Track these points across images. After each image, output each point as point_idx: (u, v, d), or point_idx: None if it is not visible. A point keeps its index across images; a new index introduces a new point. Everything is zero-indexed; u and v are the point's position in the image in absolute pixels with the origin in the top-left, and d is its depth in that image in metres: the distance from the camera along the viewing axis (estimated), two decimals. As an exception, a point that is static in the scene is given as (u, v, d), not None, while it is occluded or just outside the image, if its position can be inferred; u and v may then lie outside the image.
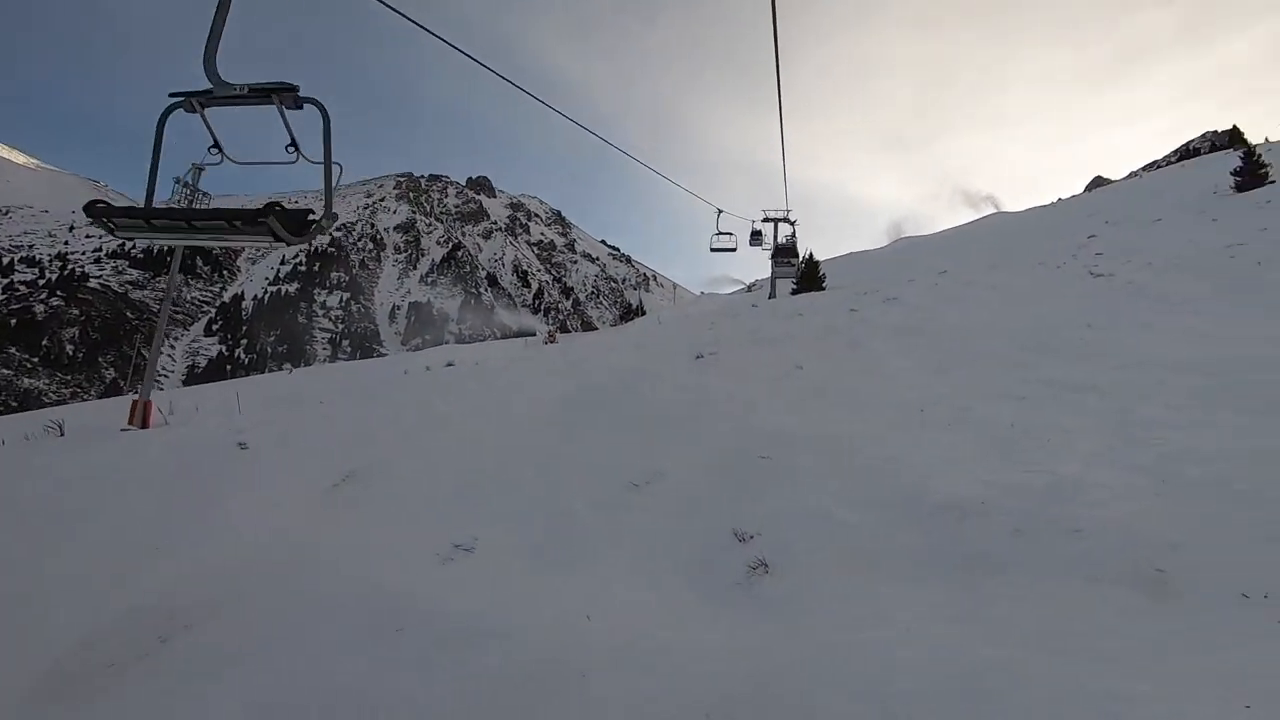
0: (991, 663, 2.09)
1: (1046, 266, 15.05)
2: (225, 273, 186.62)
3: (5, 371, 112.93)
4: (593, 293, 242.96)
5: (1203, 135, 73.00)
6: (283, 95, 2.51)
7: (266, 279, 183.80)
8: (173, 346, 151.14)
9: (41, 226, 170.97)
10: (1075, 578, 2.59)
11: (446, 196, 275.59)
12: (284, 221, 2.35)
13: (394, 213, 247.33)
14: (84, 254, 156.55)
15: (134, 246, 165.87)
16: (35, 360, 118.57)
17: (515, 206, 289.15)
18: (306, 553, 4.34)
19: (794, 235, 25.05)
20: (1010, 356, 7.11)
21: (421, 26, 5.63)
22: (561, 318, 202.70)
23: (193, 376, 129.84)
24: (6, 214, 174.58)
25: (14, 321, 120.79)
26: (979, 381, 6.24)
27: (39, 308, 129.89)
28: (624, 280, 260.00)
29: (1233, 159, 26.14)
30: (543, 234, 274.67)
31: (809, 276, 23.55)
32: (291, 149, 2.83)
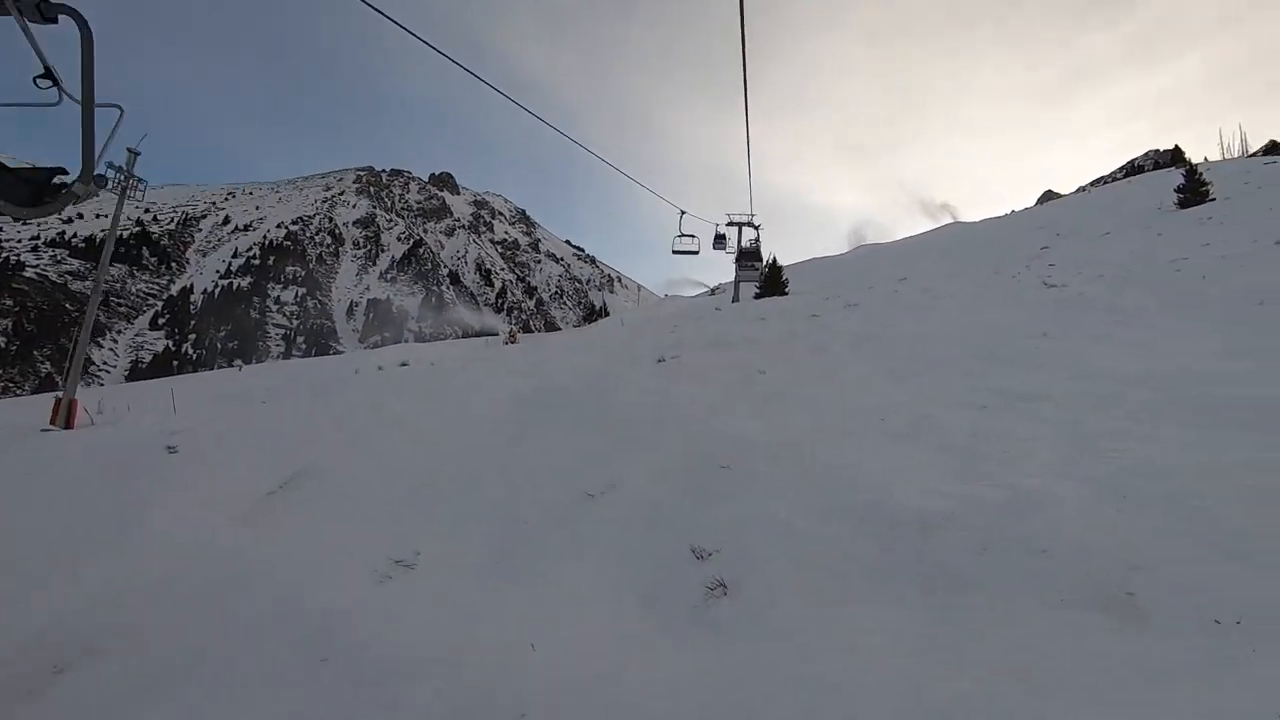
0: (962, 698, 1.96)
1: (1002, 276, 15.36)
2: (173, 264, 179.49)
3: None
4: (556, 293, 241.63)
5: (1146, 153, 76.27)
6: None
7: (217, 272, 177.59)
8: (115, 341, 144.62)
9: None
10: (1043, 600, 2.49)
11: (408, 192, 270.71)
12: (5, 186, 1.69)
13: (353, 207, 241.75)
14: (19, 242, 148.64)
15: (74, 235, 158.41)
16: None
17: (479, 204, 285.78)
18: (233, 569, 4.01)
19: (758, 239, 25.17)
20: (968, 364, 7.13)
21: (387, 16, 5.34)
22: (525, 318, 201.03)
23: (137, 372, 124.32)
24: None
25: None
26: (938, 389, 6.22)
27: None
28: (588, 281, 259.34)
29: (1175, 177, 27.27)
30: (507, 233, 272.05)
31: (772, 281, 23.67)
32: (46, 81, 2.07)
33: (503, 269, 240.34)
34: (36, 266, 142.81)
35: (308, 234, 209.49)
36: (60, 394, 9.93)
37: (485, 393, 8.02)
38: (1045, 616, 2.43)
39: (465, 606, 3.22)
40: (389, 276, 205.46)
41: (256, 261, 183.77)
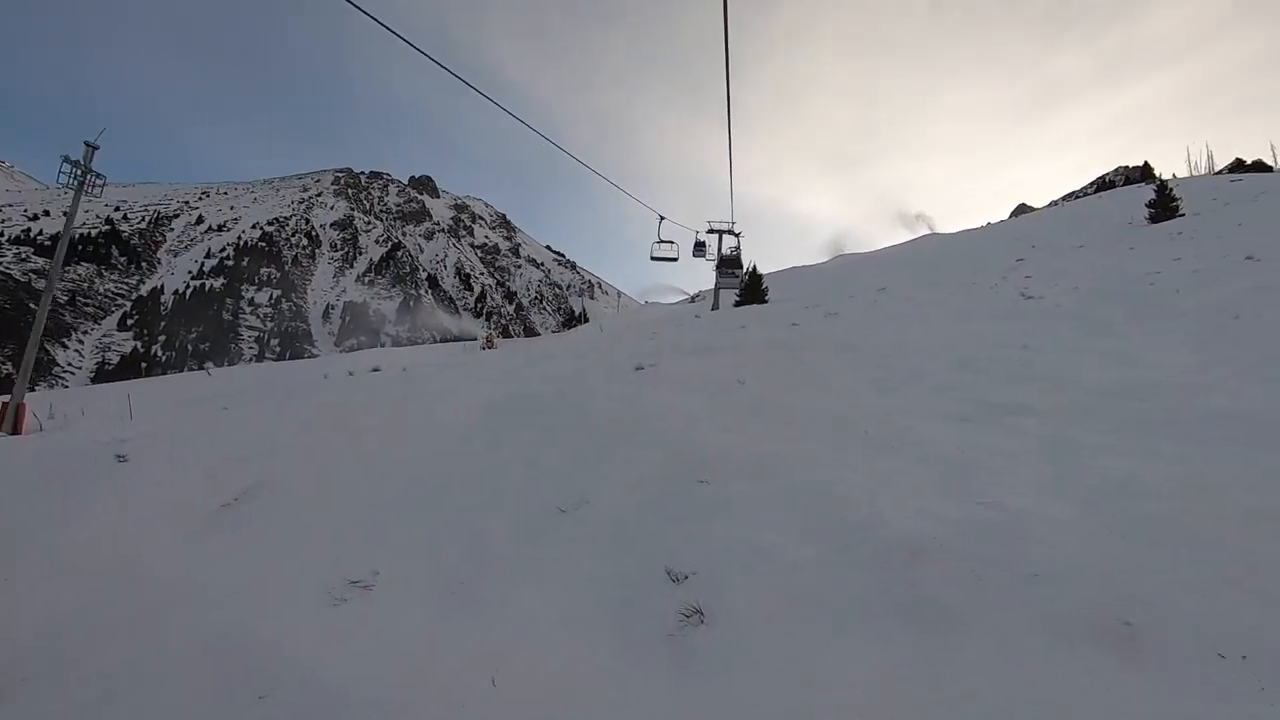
0: (956, 745, 1.79)
1: (980, 287, 15.45)
2: (144, 264, 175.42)
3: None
4: (536, 298, 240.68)
5: (1116, 169, 78.10)
6: None
7: (189, 272, 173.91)
8: (81, 342, 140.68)
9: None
10: (1039, 633, 2.33)
11: (387, 195, 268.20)
12: None
13: (331, 209, 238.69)
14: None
15: (40, 233, 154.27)
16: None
17: (460, 208, 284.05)
18: (175, 590, 3.74)
19: (739, 247, 25.16)
20: (949, 375, 7.05)
21: (372, 16, 5.12)
22: (504, 323, 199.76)
23: (103, 374, 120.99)
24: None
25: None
26: (920, 401, 6.11)
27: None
28: (568, 286, 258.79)
29: (1145, 192, 27.85)
30: (487, 237, 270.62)
31: (752, 289, 23.65)
32: None
33: (482, 273, 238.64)
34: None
35: (283, 235, 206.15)
36: (9, 397, 9.45)
37: (457, 400, 7.77)
38: (1041, 650, 2.28)
39: (424, 634, 3.00)
40: (366, 279, 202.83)
41: (230, 262, 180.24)
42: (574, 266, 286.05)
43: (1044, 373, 6.78)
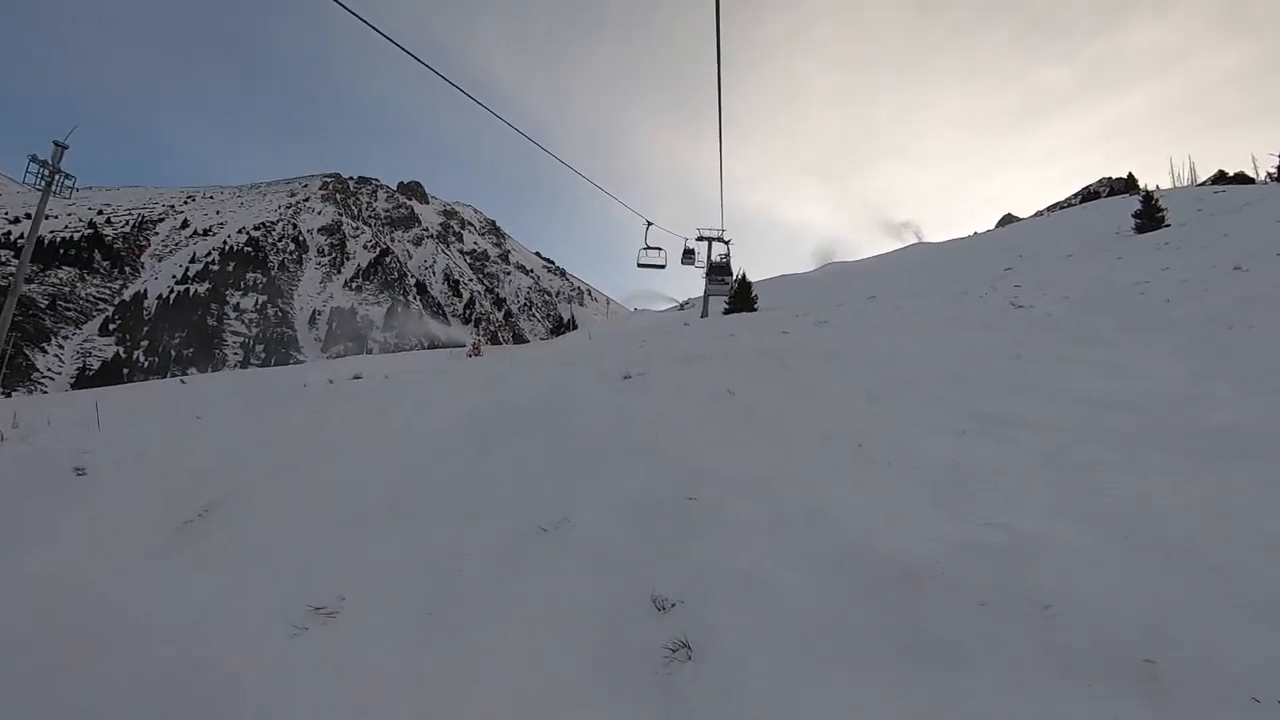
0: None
1: (969, 296, 15.39)
2: (127, 268, 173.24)
3: None
4: (525, 304, 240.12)
5: (1101, 180, 79.08)
6: None
7: (174, 277, 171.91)
8: (61, 347, 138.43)
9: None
10: (1053, 671, 2.15)
11: (376, 200, 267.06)
12: None
13: (319, 214, 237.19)
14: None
15: (20, 236, 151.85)
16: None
17: (449, 214, 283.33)
18: (124, 618, 3.47)
19: (728, 254, 25.04)
20: (942, 386, 6.91)
21: (364, 20, 4.92)
22: (493, 329, 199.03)
23: (83, 380, 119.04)
24: None
25: None
26: (914, 413, 5.95)
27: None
28: (558, 293, 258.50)
29: (1130, 202, 28.09)
30: (476, 243, 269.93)
31: (741, 297, 23.53)
32: None
33: (471, 280, 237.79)
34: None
35: (270, 240, 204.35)
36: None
37: (438, 410, 7.53)
38: (1056, 690, 2.09)
39: (390, 668, 2.77)
40: (354, 285, 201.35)
41: (215, 267, 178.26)
42: (563, 273, 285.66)
43: (1037, 383, 6.66)
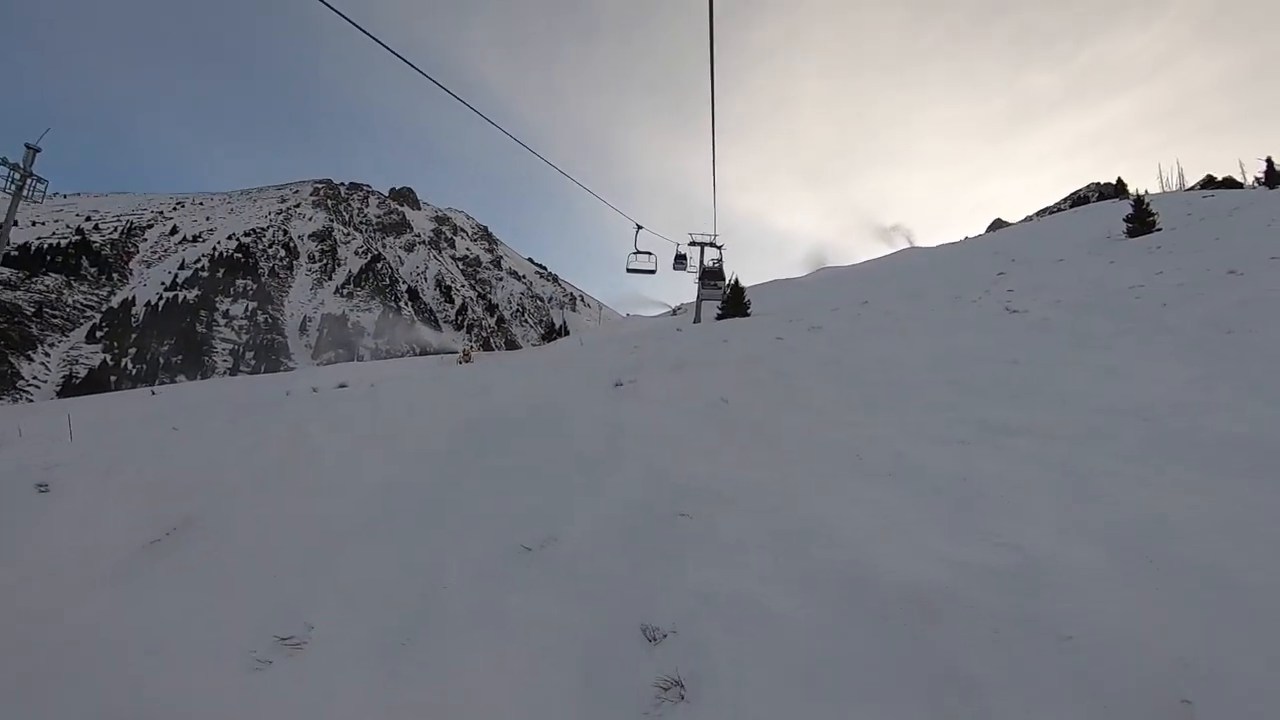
0: None
1: (963, 301, 15.28)
2: (115, 275, 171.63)
3: None
4: (518, 311, 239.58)
5: (1090, 185, 79.65)
6: None
7: (163, 284, 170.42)
8: (48, 354, 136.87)
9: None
10: (1081, 713, 1.95)
11: (367, 206, 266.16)
12: None
13: (310, 220, 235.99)
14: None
15: (7, 242, 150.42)
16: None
17: (440, 220, 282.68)
18: (78, 649, 3.24)
19: (721, 259, 24.91)
20: (941, 393, 6.74)
21: (356, 25, 4.73)
22: (485, 335, 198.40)
23: (70, 388, 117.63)
24: None
25: None
26: (913, 421, 5.78)
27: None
28: (550, 299, 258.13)
29: (1119, 207, 28.19)
30: (468, 249, 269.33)
31: (734, 302, 23.38)
32: None
33: (463, 286, 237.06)
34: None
35: (260, 246, 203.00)
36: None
37: (423, 420, 7.31)
38: (1084, 734, 1.90)
39: (355, 708, 2.55)
40: (345, 291, 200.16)
41: (205, 274, 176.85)
42: (556, 279, 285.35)
43: (1038, 389, 6.50)
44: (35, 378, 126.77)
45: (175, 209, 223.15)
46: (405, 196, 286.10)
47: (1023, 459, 4.40)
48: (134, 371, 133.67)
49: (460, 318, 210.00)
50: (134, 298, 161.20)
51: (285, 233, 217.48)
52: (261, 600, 3.58)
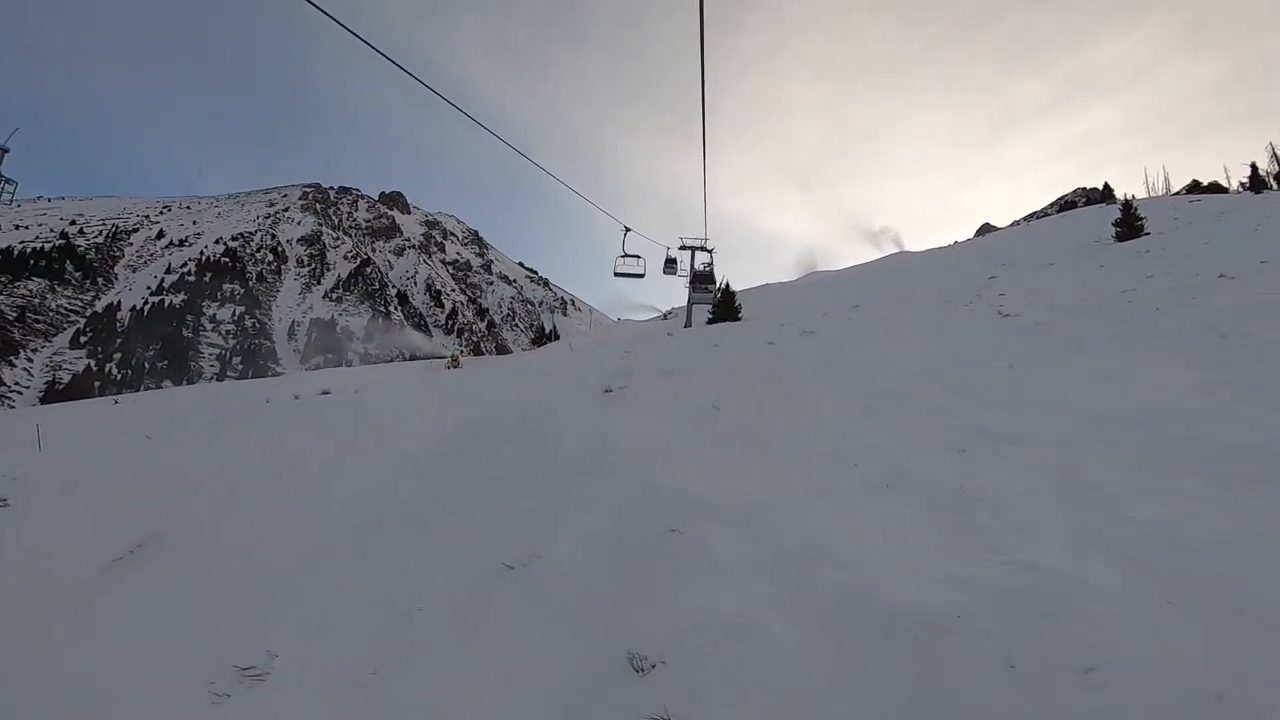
0: None
1: (954, 305, 15.20)
2: (100, 280, 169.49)
3: None
4: (509, 315, 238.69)
5: (1076, 190, 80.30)
6: None
7: (148, 288, 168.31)
8: (30, 360, 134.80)
9: None
10: (1108, 757, 1.78)
11: (357, 210, 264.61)
12: None
13: (298, 224, 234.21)
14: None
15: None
16: None
17: (431, 224, 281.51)
18: (25, 681, 3.01)
19: (711, 263, 24.74)
20: (936, 399, 6.60)
21: (343, 25, 4.53)
22: (476, 339, 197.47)
23: (52, 394, 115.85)
24: None
25: None
26: (910, 428, 5.63)
27: None
28: (541, 303, 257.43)
29: (1106, 212, 28.31)
30: (459, 253, 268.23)
31: (725, 306, 23.23)
32: None
33: (454, 290, 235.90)
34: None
35: (248, 251, 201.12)
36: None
37: (406, 429, 7.09)
38: (1113, 780, 1.73)
39: (317, 747, 2.34)
40: (334, 296, 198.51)
41: (191, 278, 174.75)
42: (547, 283, 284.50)
43: (1037, 395, 6.37)
44: (17, 384, 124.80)
45: (162, 213, 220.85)
46: (395, 200, 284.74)
47: (1024, 468, 4.25)
48: (118, 377, 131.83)
49: (450, 322, 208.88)
50: (119, 302, 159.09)
51: (273, 237, 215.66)
52: (225, 625, 3.36)
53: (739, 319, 22.77)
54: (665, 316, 47.73)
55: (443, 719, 2.39)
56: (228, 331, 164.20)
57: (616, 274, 20.19)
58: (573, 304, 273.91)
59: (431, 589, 3.44)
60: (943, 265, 31.25)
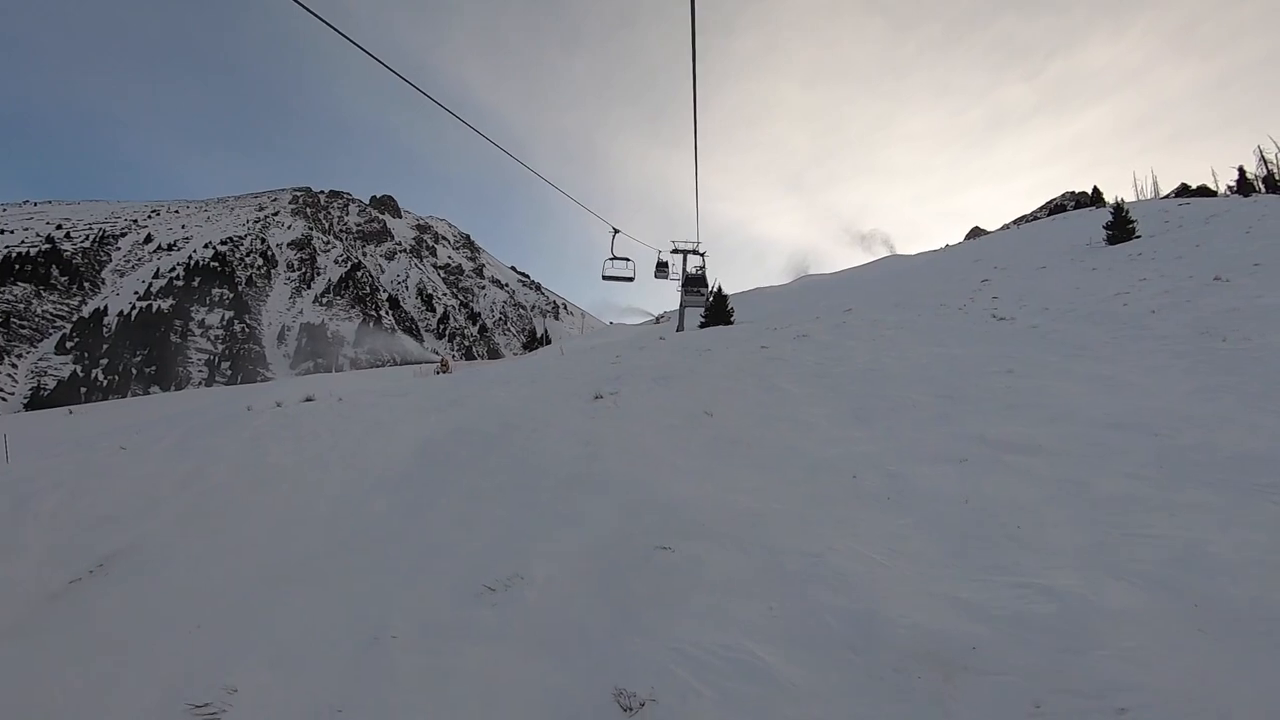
0: None
1: (948, 309, 15.08)
2: (86, 284, 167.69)
3: None
4: (500, 319, 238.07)
5: (1065, 194, 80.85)
6: None
7: (136, 293, 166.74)
8: (14, 365, 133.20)
9: None
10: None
11: (348, 214, 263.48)
12: None
13: (288, 228, 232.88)
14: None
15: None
16: None
17: (422, 228, 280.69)
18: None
19: (704, 266, 24.58)
20: (935, 405, 6.42)
21: (334, 28, 4.31)
22: (468, 344, 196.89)
23: (37, 400, 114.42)
24: None
25: None
26: (908, 436, 5.45)
27: None
28: (533, 307, 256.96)
29: (1096, 215, 28.40)
30: (450, 257, 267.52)
31: (717, 310, 23.08)
32: None
33: (445, 294, 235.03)
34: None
35: (238, 255, 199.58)
36: None
37: (389, 438, 6.85)
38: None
39: (270, 800, 2.12)
40: (324, 300, 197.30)
41: (180, 283, 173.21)
42: (539, 287, 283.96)
43: (1036, 401, 6.20)
44: (2, 390, 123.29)
45: (150, 217, 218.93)
46: (386, 204, 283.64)
47: (1029, 480, 4.07)
48: (105, 383, 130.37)
49: (442, 326, 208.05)
50: (106, 307, 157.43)
51: (263, 241, 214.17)
52: (185, 655, 3.12)
53: (731, 323, 22.63)
54: (658, 320, 47.59)
55: (410, 767, 2.17)
56: (216, 337, 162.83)
57: (605, 277, 19.74)
58: (565, 308, 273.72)
59: (406, 613, 3.21)
60: (934, 268, 31.24)
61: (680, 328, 25.72)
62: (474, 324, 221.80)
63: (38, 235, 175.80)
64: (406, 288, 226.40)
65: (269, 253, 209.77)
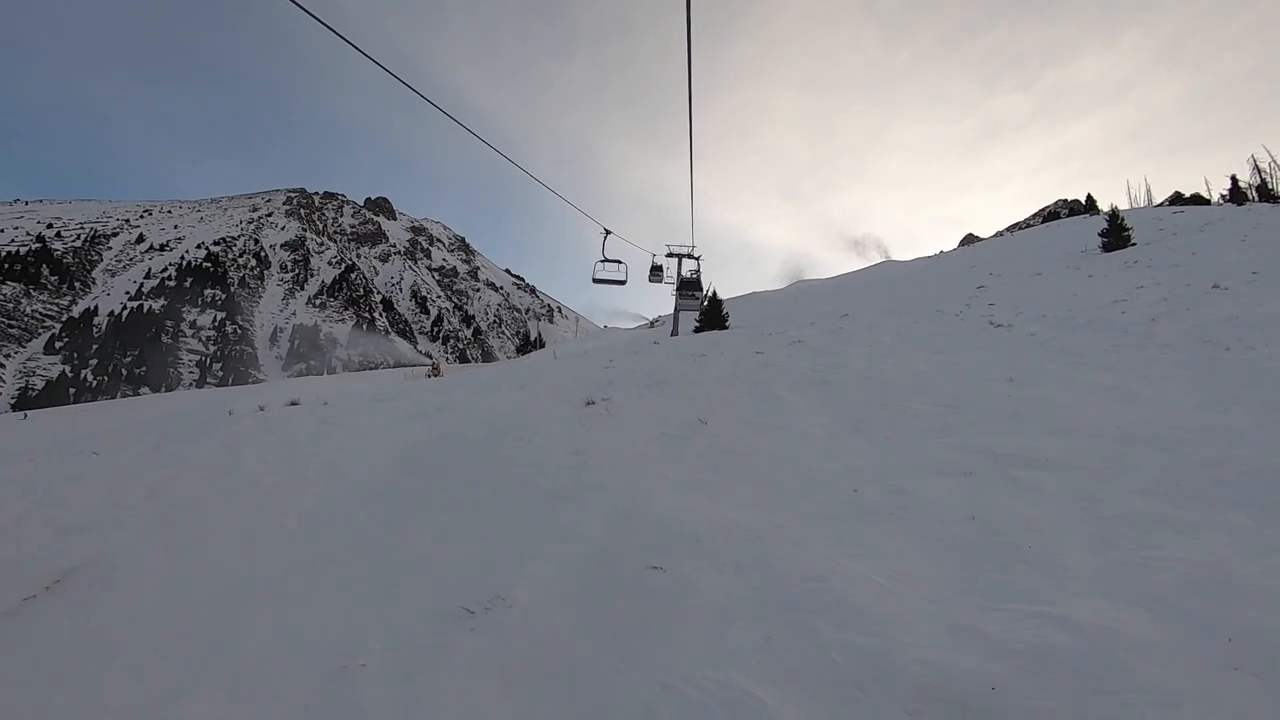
0: None
1: (945, 315, 14.95)
2: (77, 284, 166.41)
3: None
4: (495, 322, 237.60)
5: (1058, 201, 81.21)
6: None
7: (127, 293, 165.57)
8: (2, 365, 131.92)
9: None
10: None
11: (342, 216, 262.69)
12: None
13: (282, 229, 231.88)
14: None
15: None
16: None
17: (417, 230, 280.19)
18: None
19: (698, 270, 24.42)
20: (936, 415, 6.25)
21: (331, 28, 4.12)
22: (462, 347, 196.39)
23: (25, 400, 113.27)
24: None
25: None
26: (909, 448, 5.26)
27: None
28: (528, 310, 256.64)
29: (1091, 222, 28.42)
30: (445, 260, 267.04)
31: (712, 315, 22.91)
32: None
33: (440, 297, 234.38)
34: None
35: (230, 256, 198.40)
36: None
37: (371, 445, 6.63)
38: None
39: None
40: (318, 302, 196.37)
41: (172, 283, 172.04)
42: (534, 290, 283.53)
43: (1040, 411, 6.03)
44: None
45: (142, 217, 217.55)
46: (381, 206, 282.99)
47: (1038, 496, 3.89)
48: (94, 383, 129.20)
49: (436, 329, 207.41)
50: (96, 307, 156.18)
51: (256, 242, 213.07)
52: (141, 682, 2.90)
53: (726, 327, 22.47)
54: (652, 324, 47.48)
55: (370, 822, 1.96)
56: (208, 337, 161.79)
57: (595, 280, 19.19)
58: (559, 311, 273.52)
59: (378, 638, 3.00)
60: (930, 274, 31.20)
61: (675, 332, 25.55)
62: (468, 327, 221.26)
63: (28, 234, 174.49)
64: (400, 290, 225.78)
65: (262, 254, 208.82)
